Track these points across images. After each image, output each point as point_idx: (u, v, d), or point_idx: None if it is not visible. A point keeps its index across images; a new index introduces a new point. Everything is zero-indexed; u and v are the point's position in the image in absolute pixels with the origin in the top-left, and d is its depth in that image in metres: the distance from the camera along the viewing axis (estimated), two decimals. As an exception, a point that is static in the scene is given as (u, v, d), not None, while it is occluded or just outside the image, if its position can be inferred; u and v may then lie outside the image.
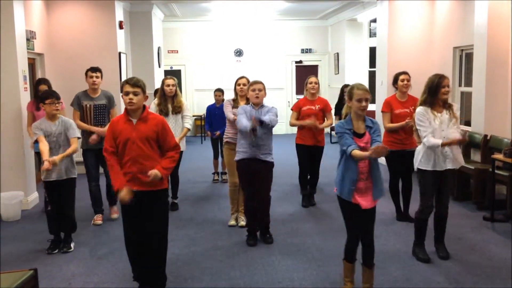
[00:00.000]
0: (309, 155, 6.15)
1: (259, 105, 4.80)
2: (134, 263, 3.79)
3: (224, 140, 5.46)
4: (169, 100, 5.91)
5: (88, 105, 5.52)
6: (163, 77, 11.69)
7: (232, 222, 5.44)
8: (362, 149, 3.39)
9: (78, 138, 4.80)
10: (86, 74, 5.59)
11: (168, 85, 5.88)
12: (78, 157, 5.20)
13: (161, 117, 3.71)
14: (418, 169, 4.32)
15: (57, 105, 4.62)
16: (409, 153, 4.93)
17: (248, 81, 5.33)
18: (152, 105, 5.88)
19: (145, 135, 3.50)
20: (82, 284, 4.03)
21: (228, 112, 5.31)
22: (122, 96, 3.60)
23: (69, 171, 4.70)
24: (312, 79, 6.16)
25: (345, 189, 3.47)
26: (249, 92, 4.81)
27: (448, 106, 4.26)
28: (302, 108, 6.10)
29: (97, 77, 5.54)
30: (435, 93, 4.20)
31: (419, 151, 4.33)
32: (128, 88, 3.49)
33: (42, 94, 4.82)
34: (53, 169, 4.52)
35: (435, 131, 4.17)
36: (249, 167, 4.73)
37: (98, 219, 5.61)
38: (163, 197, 3.69)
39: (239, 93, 5.48)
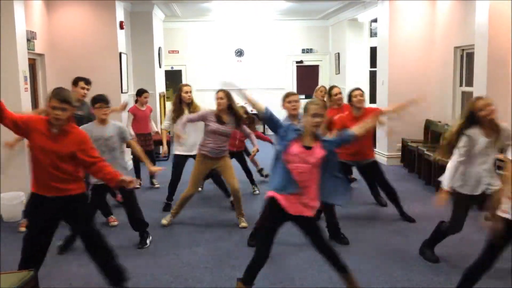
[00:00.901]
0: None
1: (297, 117, 4.57)
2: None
3: (201, 152, 5.27)
4: (185, 106, 6.00)
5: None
6: (163, 77, 11.81)
7: (164, 222, 5.48)
8: (305, 161, 3.26)
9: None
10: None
11: (187, 92, 6.01)
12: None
13: (83, 133, 3.61)
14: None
15: (105, 109, 4.64)
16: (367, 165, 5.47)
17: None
18: (168, 112, 6.07)
19: (61, 150, 3.42)
20: (82, 284, 4.04)
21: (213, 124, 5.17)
22: (48, 106, 3.46)
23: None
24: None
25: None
26: (285, 104, 4.74)
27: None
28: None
29: (82, 88, 5.73)
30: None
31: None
32: (55, 103, 3.37)
33: (92, 99, 4.79)
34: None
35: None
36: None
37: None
38: (82, 199, 3.68)
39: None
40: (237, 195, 5.30)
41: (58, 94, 3.42)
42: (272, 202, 3.37)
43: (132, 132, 6.42)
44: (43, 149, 3.42)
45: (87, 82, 5.75)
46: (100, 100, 4.66)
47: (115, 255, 3.72)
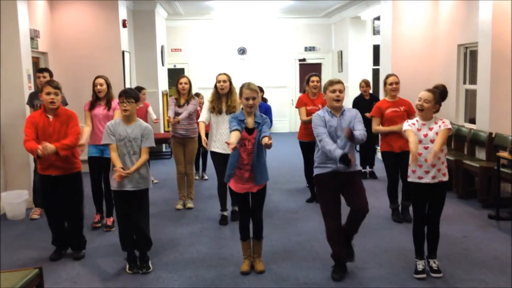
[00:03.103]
0: (397, 163, 5.39)
1: (340, 110, 3.94)
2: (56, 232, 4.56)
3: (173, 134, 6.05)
4: (223, 98, 5.40)
5: (38, 104, 5.77)
6: (165, 75, 11.80)
7: (179, 206, 6.13)
8: (248, 143, 3.95)
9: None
10: (36, 74, 6.02)
11: (219, 81, 5.38)
12: (84, 155, 5.17)
13: (70, 112, 4.39)
14: None
15: (125, 104, 4.08)
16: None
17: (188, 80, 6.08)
18: (206, 102, 5.58)
19: (59, 130, 4.22)
20: (87, 283, 4.04)
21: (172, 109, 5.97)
22: (42, 95, 4.23)
23: (143, 181, 4.21)
24: (392, 78, 5.49)
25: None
26: (327, 93, 3.91)
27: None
28: (385, 111, 5.39)
29: (44, 77, 5.74)
30: None
31: None
32: (49, 89, 4.18)
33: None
34: (129, 178, 4.09)
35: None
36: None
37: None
38: (77, 178, 4.46)
39: (181, 91, 6.04)
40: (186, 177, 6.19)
41: (52, 82, 4.30)
42: None
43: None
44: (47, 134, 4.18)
45: (41, 70, 5.92)
46: (122, 95, 4.15)
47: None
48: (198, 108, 6.39)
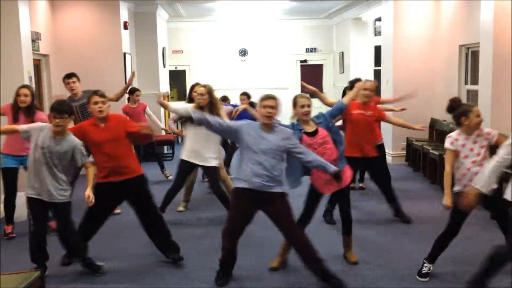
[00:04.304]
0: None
1: (269, 126, 3.79)
2: None
3: None
4: (205, 109, 5.15)
5: (73, 107, 5.76)
6: (167, 77, 11.81)
7: (181, 208, 6.09)
8: (321, 145, 3.97)
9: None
10: (63, 81, 6.03)
11: (198, 94, 5.27)
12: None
13: (119, 115, 4.48)
14: None
15: (57, 120, 3.93)
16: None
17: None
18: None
19: (114, 134, 4.15)
20: (88, 284, 4.04)
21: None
22: (89, 106, 4.23)
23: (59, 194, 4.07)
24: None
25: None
26: (260, 108, 3.81)
27: None
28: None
29: (73, 82, 5.96)
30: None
31: None
32: (96, 98, 4.16)
33: (51, 104, 4.18)
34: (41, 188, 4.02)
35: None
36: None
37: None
38: (141, 181, 4.31)
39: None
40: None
41: (97, 91, 4.25)
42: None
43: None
44: (101, 142, 4.13)
45: (69, 76, 6.00)
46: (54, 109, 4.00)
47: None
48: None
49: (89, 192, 4.02)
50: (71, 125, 4.51)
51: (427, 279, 3.95)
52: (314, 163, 3.79)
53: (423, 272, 3.98)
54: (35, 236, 4.11)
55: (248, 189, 3.72)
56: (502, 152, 3.49)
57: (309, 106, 4.03)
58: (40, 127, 4.08)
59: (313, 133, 4.02)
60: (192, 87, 6.06)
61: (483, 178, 3.50)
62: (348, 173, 4.19)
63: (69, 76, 5.99)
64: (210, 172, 5.56)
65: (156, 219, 4.38)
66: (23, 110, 5.07)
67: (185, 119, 5.48)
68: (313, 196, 4.24)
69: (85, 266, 4.21)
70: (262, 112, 3.74)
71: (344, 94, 6.54)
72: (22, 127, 4.13)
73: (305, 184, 4.22)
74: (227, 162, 7.72)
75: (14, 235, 5.26)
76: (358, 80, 5.89)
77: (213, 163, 5.41)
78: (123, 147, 4.22)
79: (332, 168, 3.78)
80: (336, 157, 4.05)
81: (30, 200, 4.07)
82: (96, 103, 4.15)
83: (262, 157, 3.66)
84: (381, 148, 5.87)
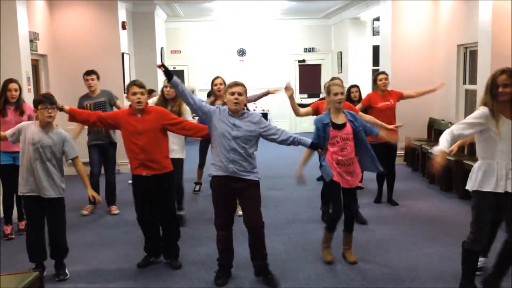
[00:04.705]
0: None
1: (238, 112, 3.81)
2: (147, 238, 4.39)
3: None
4: (169, 102, 5.26)
5: (88, 104, 5.92)
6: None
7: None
8: (344, 140, 4.09)
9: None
10: (83, 77, 6.03)
11: (166, 87, 5.23)
12: (85, 157, 5.15)
13: (159, 108, 4.34)
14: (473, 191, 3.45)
15: (50, 111, 3.92)
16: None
17: (224, 82, 5.75)
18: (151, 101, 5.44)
19: (150, 127, 4.04)
20: (88, 284, 4.03)
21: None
22: (127, 96, 4.12)
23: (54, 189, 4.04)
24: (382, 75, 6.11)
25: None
26: (227, 95, 3.82)
27: None
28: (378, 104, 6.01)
29: (92, 79, 5.98)
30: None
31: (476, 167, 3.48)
32: (135, 89, 4.04)
33: (35, 99, 4.10)
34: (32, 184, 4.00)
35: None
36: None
37: (87, 209, 5.98)
38: (169, 178, 4.23)
39: (217, 93, 5.92)
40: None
41: (136, 81, 4.18)
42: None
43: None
44: (134, 132, 4.04)
45: (89, 73, 6.04)
46: (43, 100, 3.96)
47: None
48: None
49: (91, 192, 4.08)
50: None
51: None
52: (289, 140, 3.87)
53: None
54: (31, 235, 4.11)
55: (224, 176, 3.77)
56: (456, 125, 3.45)
57: (342, 94, 4.16)
58: (24, 126, 4.04)
59: (341, 126, 4.14)
60: (213, 81, 6.14)
61: (440, 142, 3.34)
62: (359, 175, 4.33)
63: (89, 73, 6.02)
64: (174, 164, 5.39)
65: (168, 218, 4.30)
66: (13, 104, 5.09)
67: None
68: (334, 190, 4.24)
69: (57, 266, 4.15)
70: (230, 99, 3.76)
71: (348, 93, 6.61)
72: (8, 132, 4.09)
73: (303, 188, 4.21)
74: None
75: (13, 236, 5.23)
76: (382, 73, 6.26)
77: (177, 155, 5.29)
78: (156, 141, 4.09)
79: (309, 140, 3.91)
80: (353, 156, 4.19)
81: (25, 199, 4.06)
82: (134, 93, 4.04)
83: (235, 144, 3.71)
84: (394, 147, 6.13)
